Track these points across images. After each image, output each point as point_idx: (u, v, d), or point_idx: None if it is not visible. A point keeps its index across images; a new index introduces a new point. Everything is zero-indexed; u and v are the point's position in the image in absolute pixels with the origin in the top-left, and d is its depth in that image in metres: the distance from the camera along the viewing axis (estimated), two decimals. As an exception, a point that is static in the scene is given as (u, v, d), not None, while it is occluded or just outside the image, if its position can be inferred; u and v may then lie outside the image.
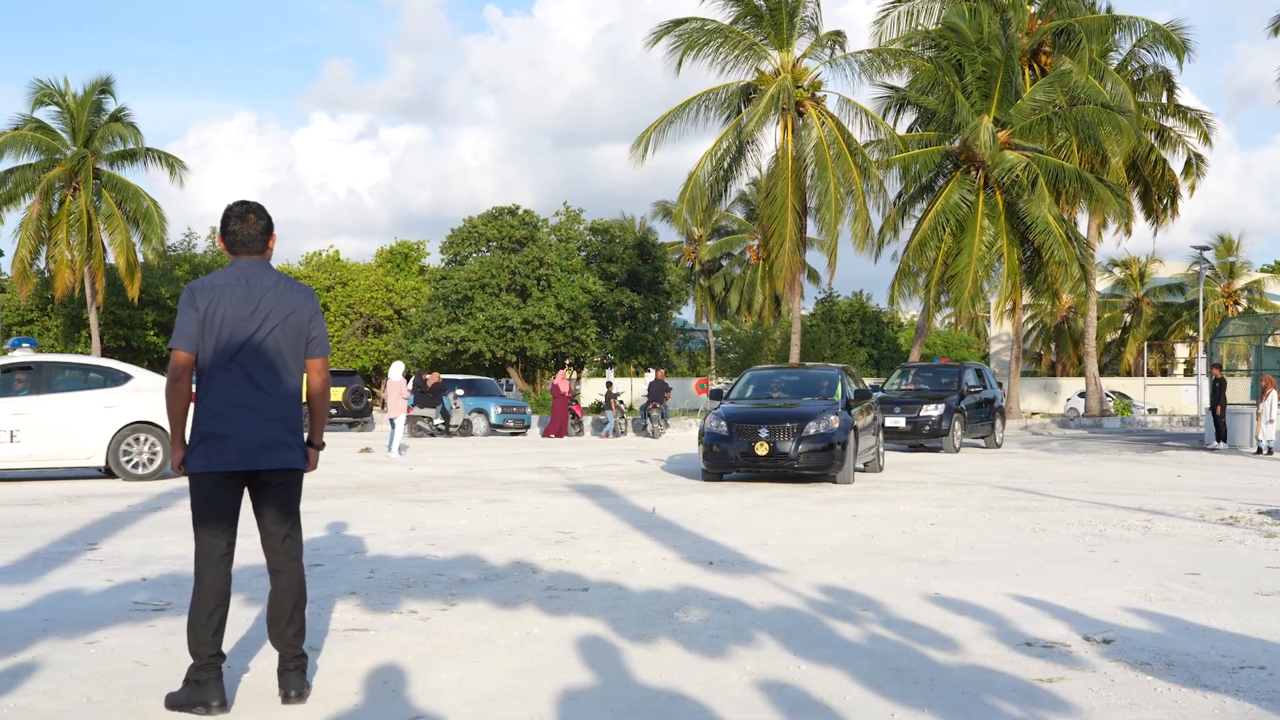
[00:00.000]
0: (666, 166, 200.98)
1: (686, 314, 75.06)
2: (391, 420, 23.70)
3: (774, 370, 20.25)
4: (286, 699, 5.10)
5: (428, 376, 33.67)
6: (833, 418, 16.46)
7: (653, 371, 37.33)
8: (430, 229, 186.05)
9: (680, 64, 38.57)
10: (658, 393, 35.35)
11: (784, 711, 5.03)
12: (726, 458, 16.54)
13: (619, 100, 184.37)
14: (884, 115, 41.94)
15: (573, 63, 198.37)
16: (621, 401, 40.30)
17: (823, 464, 16.34)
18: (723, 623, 6.83)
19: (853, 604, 7.40)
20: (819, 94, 39.41)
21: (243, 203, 5.30)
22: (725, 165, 39.76)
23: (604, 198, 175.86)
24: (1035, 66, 43.65)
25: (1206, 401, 29.86)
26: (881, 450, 19.70)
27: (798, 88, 38.14)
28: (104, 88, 47.02)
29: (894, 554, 9.66)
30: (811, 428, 16.28)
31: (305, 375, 5.33)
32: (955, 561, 9.24)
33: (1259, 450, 25.91)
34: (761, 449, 16.19)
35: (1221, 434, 27.66)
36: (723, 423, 16.72)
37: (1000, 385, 55.20)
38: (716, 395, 18.90)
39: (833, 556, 9.46)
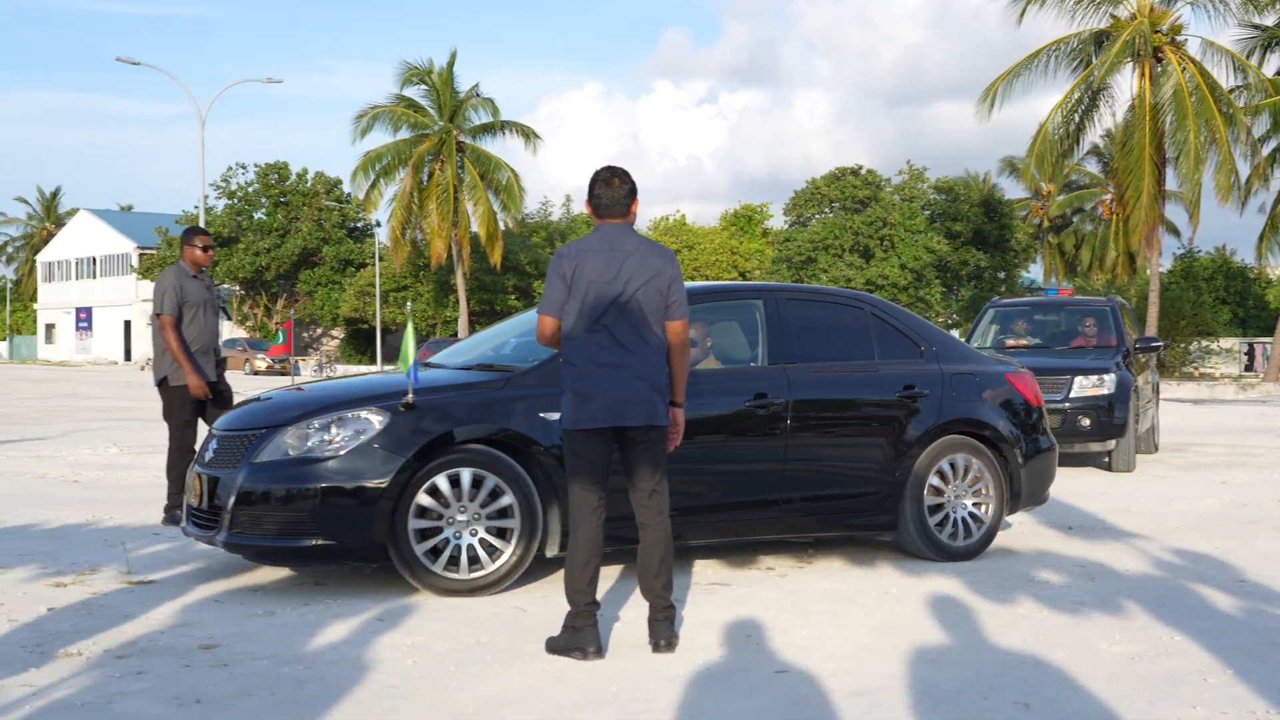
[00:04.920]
0: (1010, 121, 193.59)
1: (1034, 272, 72.51)
2: None
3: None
4: (657, 648, 5.31)
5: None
6: None
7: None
8: (768, 192, 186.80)
9: (1023, 13, 37.23)
10: None
11: (1161, 689, 4.86)
12: None
13: (952, 56, 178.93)
14: (1249, 57, 39.15)
15: (903, 20, 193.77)
16: None
17: None
18: (1085, 589, 6.66)
19: (1227, 575, 7.06)
20: (1179, 38, 37.20)
21: (609, 168, 5.46)
22: (1076, 117, 38.11)
23: (940, 156, 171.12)
24: None
25: None
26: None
27: (1156, 32, 36.11)
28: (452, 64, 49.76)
29: (1270, 523, 9.12)
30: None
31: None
32: (1341, 534, 8.64)
33: None
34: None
35: None
36: None
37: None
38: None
39: (1201, 524, 9.02)
